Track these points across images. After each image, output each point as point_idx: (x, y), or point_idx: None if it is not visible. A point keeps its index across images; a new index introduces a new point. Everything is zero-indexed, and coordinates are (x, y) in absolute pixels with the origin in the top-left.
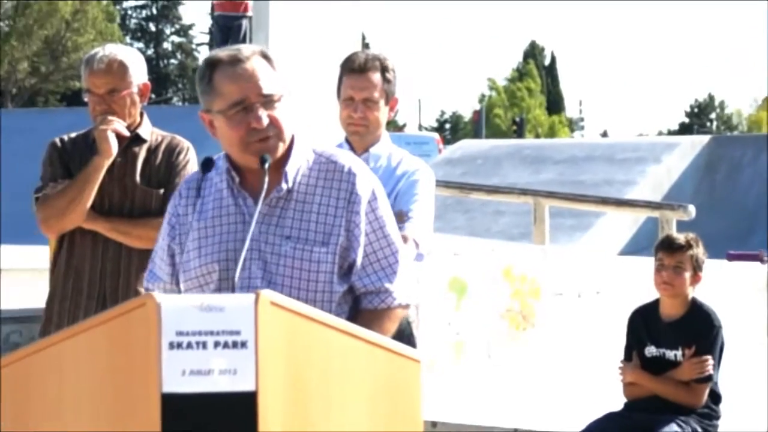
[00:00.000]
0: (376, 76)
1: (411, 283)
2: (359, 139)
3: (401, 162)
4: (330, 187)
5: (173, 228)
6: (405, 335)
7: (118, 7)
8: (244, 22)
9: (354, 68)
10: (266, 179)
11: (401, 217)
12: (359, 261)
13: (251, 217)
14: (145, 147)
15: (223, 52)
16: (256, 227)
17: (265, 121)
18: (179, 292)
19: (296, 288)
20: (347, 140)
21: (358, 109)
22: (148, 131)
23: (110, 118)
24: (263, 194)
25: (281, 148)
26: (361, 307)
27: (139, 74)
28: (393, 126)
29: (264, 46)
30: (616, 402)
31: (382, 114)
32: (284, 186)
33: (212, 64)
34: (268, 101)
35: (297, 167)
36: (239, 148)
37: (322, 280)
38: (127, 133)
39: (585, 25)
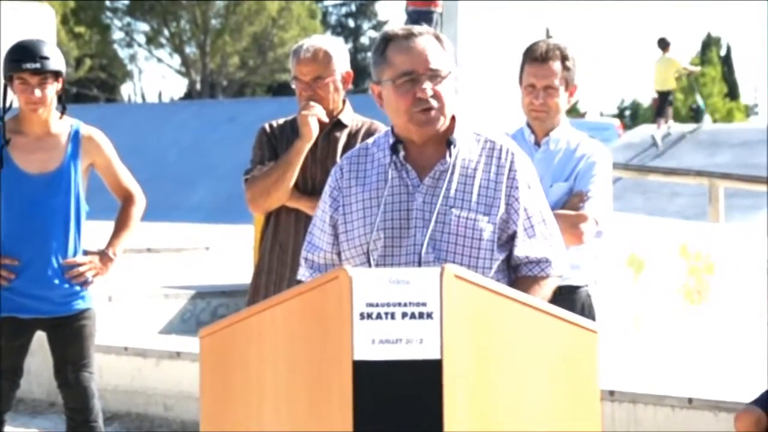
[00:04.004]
0: (557, 65)
1: (564, 254)
2: (540, 123)
3: (580, 145)
4: (490, 163)
5: (335, 200)
6: (585, 307)
7: (320, 4)
8: (435, 17)
9: (536, 57)
10: (450, 157)
11: (581, 197)
12: (520, 233)
13: (415, 188)
14: (346, 132)
15: (398, 28)
16: (420, 197)
17: (430, 93)
18: (339, 260)
19: (460, 254)
20: (528, 125)
21: (539, 96)
22: (350, 117)
23: (312, 104)
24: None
25: (442, 121)
26: (521, 275)
27: (342, 63)
28: (575, 113)
29: (453, 38)
30: None
31: (562, 100)
32: (448, 159)
33: (388, 38)
34: (435, 76)
35: (459, 143)
36: (404, 117)
37: (484, 247)
38: (326, 119)
39: (759, 16)
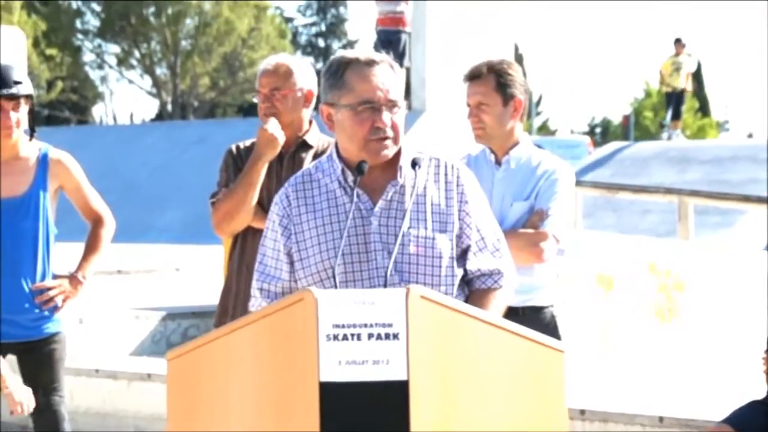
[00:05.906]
0: (487, 81)
1: (512, 263)
2: (484, 142)
3: (541, 163)
4: (438, 180)
5: (286, 228)
6: (550, 327)
7: (290, 24)
8: (404, 36)
9: (467, 76)
10: (401, 177)
11: (541, 215)
12: (472, 246)
13: (369, 212)
14: (311, 152)
15: (357, 53)
16: (375, 221)
17: (388, 123)
18: (297, 288)
19: (422, 274)
20: (488, 146)
21: (472, 113)
22: (316, 138)
23: (270, 120)
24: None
25: (394, 150)
26: (474, 287)
27: (304, 80)
28: (545, 130)
29: (421, 57)
30: (759, 391)
31: (499, 117)
32: (399, 180)
33: (346, 61)
34: (393, 106)
35: (408, 164)
36: (359, 144)
37: (445, 265)
38: (282, 136)
39: (729, 32)
